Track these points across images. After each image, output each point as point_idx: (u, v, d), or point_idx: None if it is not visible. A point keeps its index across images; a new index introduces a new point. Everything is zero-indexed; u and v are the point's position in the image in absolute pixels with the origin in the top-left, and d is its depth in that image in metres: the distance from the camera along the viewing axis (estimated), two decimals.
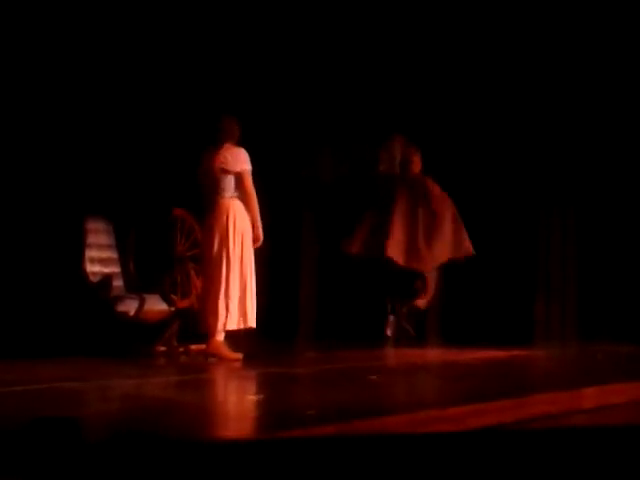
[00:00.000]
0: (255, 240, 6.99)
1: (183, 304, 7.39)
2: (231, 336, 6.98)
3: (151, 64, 8.42)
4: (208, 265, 6.91)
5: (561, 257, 8.94)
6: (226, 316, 6.81)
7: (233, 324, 6.87)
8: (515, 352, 7.75)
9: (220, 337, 6.89)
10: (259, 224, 6.98)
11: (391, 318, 8.77)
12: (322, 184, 9.18)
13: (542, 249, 8.91)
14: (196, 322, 7.02)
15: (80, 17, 8.08)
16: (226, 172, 6.89)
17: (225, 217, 6.86)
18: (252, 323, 6.94)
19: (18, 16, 7.86)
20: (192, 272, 7.40)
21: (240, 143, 7.07)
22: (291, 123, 9.08)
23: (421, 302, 8.74)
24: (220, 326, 6.83)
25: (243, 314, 6.87)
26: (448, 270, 8.80)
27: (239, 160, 6.93)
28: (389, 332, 8.91)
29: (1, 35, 7.78)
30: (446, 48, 8.77)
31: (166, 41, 8.40)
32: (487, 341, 8.17)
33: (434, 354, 7.93)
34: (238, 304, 6.84)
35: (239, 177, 6.90)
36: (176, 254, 7.42)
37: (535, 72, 8.76)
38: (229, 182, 6.90)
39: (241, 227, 6.90)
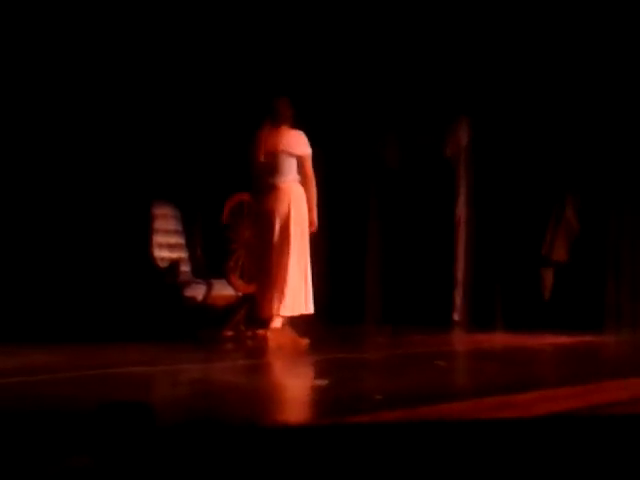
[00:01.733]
0: (310, 225, 6.92)
1: (249, 289, 7.43)
2: (297, 322, 7.00)
3: (211, 49, 8.46)
4: (266, 250, 6.83)
5: (632, 240, 8.78)
6: (281, 302, 6.74)
7: (288, 310, 6.79)
8: (585, 338, 7.64)
9: (276, 324, 6.82)
10: (315, 209, 6.92)
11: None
12: (388, 169, 9.15)
13: (612, 232, 8.76)
14: (255, 307, 7.01)
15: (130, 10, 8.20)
16: (289, 155, 6.85)
17: (287, 202, 6.78)
18: (309, 309, 6.87)
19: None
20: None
21: (299, 127, 6.99)
22: (357, 108, 9.05)
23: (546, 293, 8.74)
24: (275, 312, 6.79)
25: (300, 300, 6.79)
26: (513, 253, 8.73)
27: (301, 143, 6.87)
28: (456, 316, 8.87)
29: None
30: (509, 33, 8.66)
31: (225, 24, 8.42)
32: (556, 326, 8.07)
33: (502, 339, 7.85)
34: (295, 290, 6.77)
35: (301, 160, 6.86)
36: (241, 239, 7.46)
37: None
38: (291, 165, 6.85)
39: (301, 213, 6.83)
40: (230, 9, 8.42)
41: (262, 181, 6.85)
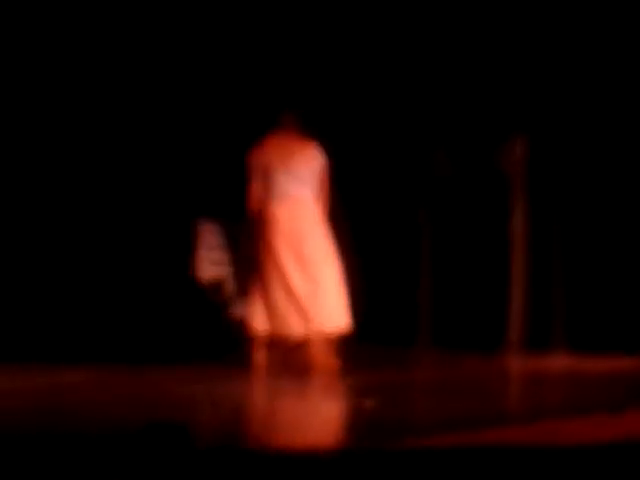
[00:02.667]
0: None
1: None
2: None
3: (248, 63, 8.47)
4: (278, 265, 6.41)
5: None
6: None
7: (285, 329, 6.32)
8: None
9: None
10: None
11: None
12: (439, 180, 9.06)
13: None
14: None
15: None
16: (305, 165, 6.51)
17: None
18: (324, 327, 6.38)
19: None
20: None
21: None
22: (412, 119, 8.99)
23: None
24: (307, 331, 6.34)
25: (309, 318, 6.30)
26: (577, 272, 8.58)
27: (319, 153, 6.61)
28: (512, 337, 8.71)
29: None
30: (570, 49, 8.55)
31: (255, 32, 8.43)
32: (617, 348, 7.87)
33: (559, 361, 7.68)
34: (298, 308, 6.31)
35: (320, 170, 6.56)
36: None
37: None
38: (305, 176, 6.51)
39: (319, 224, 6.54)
40: (263, 16, 8.43)
41: (275, 191, 6.45)
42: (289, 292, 6.33)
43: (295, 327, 6.28)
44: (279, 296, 6.30)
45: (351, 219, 8.83)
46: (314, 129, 7.27)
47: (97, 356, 6.90)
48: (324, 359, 6.37)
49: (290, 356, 6.97)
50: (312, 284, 6.36)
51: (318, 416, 4.66)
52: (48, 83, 8.10)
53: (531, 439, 3.95)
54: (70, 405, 4.76)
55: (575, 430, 4.10)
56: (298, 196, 6.46)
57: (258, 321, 6.33)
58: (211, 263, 7.31)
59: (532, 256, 8.74)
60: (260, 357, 6.35)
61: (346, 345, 7.03)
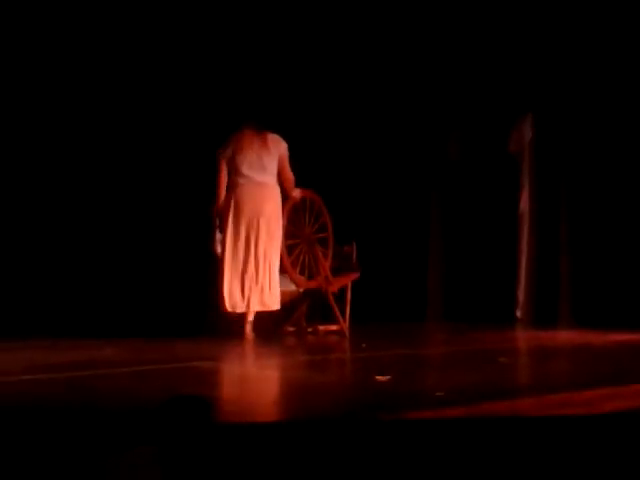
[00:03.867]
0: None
1: (310, 285, 7.45)
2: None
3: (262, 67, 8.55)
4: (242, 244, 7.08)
5: None
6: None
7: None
8: None
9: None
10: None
11: None
12: (450, 163, 9.10)
13: None
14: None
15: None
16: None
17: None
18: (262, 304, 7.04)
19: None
20: (320, 254, 7.44)
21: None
22: (422, 102, 9.03)
23: None
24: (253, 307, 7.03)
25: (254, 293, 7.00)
26: (583, 250, 8.63)
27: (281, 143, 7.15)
28: (519, 313, 8.80)
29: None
30: (576, 30, 8.55)
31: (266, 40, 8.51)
32: (622, 323, 7.94)
33: (566, 336, 7.76)
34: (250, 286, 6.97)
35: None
36: (304, 235, 7.47)
37: None
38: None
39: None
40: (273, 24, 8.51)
41: (240, 178, 7.05)
42: (245, 269, 6.98)
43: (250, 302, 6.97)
44: (241, 272, 6.96)
45: (365, 199, 8.95)
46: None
47: (121, 332, 7.06)
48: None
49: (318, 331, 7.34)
50: (258, 263, 7.00)
51: (333, 389, 4.73)
52: (65, 86, 8.21)
53: (541, 410, 4.04)
54: (97, 379, 4.86)
55: (584, 401, 4.19)
56: (260, 181, 7.03)
57: (230, 300, 6.93)
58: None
59: (540, 234, 8.81)
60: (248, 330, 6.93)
61: (360, 321, 7.17)
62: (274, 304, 7.13)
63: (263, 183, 7.08)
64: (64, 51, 8.21)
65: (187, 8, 8.42)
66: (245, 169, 7.05)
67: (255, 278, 7.05)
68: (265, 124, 7.17)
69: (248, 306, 7.00)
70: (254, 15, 8.51)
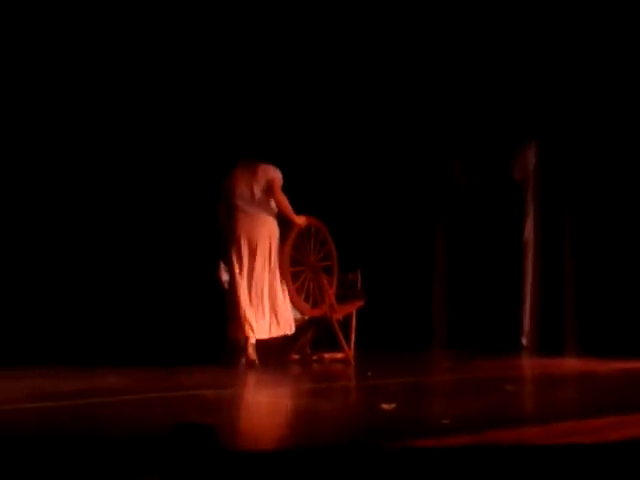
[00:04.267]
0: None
1: (315, 312, 7.44)
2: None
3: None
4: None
5: None
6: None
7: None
8: None
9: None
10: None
11: None
12: (455, 191, 9.12)
13: None
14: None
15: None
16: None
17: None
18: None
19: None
20: (324, 282, 7.44)
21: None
22: (425, 130, 9.07)
23: None
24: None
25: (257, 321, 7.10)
26: (588, 278, 8.61)
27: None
28: (525, 341, 8.78)
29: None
30: (578, 57, 8.58)
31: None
32: (628, 351, 7.91)
33: (572, 364, 7.73)
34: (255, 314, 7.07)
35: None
36: (308, 263, 7.47)
37: None
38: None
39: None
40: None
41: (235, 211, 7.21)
42: (250, 297, 7.09)
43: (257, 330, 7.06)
44: (243, 303, 7.04)
45: (370, 226, 8.96)
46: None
47: (124, 360, 7.06)
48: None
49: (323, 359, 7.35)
50: (260, 293, 7.12)
51: (338, 417, 4.72)
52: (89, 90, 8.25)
53: (547, 439, 4.02)
54: (102, 407, 4.85)
55: (590, 430, 4.17)
56: (252, 212, 7.16)
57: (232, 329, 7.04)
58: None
59: (544, 261, 8.80)
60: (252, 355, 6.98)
61: (365, 349, 7.15)
62: (285, 330, 7.17)
63: (254, 214, 7.18)
64: (75, 57, 8.25)
65: (196, 15, 8.48)
66: (238, 201, 7.18)
67: (260, 307, 7.07)
68: (259, 155, 7.28)
69: (253, 332, 7.03)
70: (254, 36, 8.56)
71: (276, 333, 7.15)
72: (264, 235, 7.16)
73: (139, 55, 8.43)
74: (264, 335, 7.08)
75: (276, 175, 7.21)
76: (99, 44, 8.29)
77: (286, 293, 7.24)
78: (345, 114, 8.90)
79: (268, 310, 7.12)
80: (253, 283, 7.11)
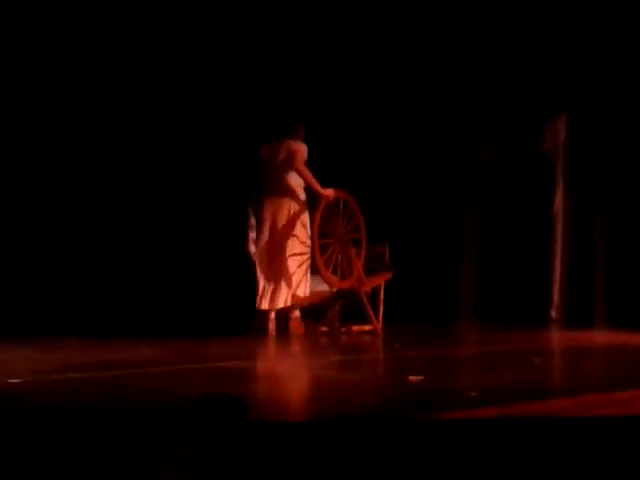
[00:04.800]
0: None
1: (343, 285, 7.44)
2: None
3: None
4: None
5: None
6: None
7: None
8: None
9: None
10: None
11: None
12: (484, 164, 9.06)
13: None
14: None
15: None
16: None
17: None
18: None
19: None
20: (353, 254, 7.44)
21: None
22: (455, 103, 9.01)
23: None
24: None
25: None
26: (615, 248, 8.56)
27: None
28: (554, 313, 8.74)
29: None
30: (609, 30, 8.48)
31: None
32: None
33: (601, 336, 7.69)
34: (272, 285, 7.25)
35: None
36: (337, 235, 7.47)
37: None
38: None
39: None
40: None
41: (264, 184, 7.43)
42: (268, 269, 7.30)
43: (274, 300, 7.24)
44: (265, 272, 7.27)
45: (398, 199, 8.94)
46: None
47: (156, 332, 7.12)
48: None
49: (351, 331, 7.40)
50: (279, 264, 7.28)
51: (366, 389, 4.74)
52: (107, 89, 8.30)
53: (575, 411, 4.01)
54: (132, 379, 4.89)
55: (620, 402, 4.16)
56: (274, 188, 7.33)
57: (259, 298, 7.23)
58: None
59: (574, 233, 8.74)
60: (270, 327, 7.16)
61: (393, 321, 7.15)
62: (297, 300, 7.30)
63: (276, 188, 7.32)
64: (86, 55, 8.31)
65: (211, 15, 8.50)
66: (265, 176, 7.37)
67: (277, 277, 7.23)
68: (289, 131, 7.39)
69: (271, 304, 7.18)
70: (278, 21, 8.55)
71: (291, 302, 7.28)
72: (284, 209, 7.28)
73: (153, 47, 8.46)
74: (281, 305, 7.20)
75: (298, 147, 7.30)
76: (106, 41, 8.33)
77: (304, 264, 7.27)
78: (374, 86, 8.86)
79: (285, 280, 7.21)
80: (272, 256, 7.25)
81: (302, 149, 7.29)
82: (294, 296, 7.28)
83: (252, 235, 7.44)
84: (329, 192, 7.37)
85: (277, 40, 8.59)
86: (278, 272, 7.25)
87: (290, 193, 7.31)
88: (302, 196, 7.36)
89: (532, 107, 8.81)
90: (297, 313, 7.37)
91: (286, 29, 8.58)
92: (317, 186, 7.31)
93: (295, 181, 7.30)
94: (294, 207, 7.31)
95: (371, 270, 7.63)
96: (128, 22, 8.35)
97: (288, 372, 5.46)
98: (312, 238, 7.28)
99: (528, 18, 8.63)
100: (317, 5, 8.60)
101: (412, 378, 4.75)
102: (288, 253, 7.27)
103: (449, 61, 8.91)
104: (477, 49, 8.84)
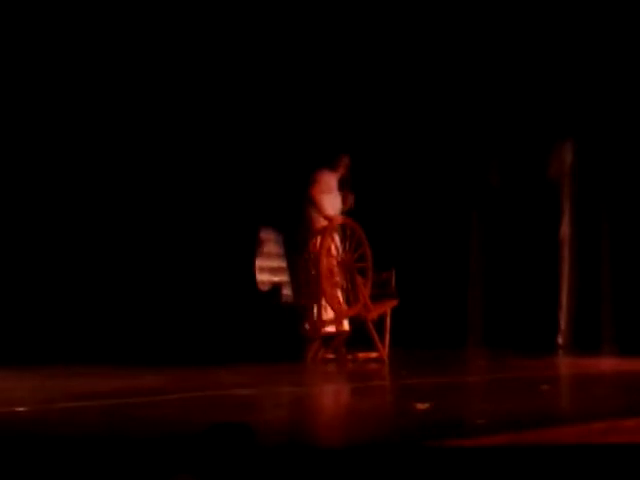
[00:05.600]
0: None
1: (350, 312, 7.44)
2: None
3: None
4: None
5: None
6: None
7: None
8: None
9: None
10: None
11: None
12: (491, 190, 9.08)
13: None
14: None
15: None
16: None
17: None
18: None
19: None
20: (359, 281, 7.43)
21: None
22: (461, 130, 9.04)
23: None
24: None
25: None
26: (622, 274, 8.54)
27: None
28: (561, 340, 8.72)
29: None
30: (615, 58, 8.51)
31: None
32: None
33: (608, 363, 7.67)
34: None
35: None
36: (342, 261, 7.46)
37: None
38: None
39: None
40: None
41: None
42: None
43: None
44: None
45: (405, 225, 8.95)
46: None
47: (162, 359, 7.11)
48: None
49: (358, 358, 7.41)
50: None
51: (372, 417, 4.72)
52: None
53: (584, 438, 3.99)
54: (138, 407, 4.88)
55: (627, 429, 4.14)
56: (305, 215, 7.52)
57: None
58: (270, 270, 7.46)
59: (580, 260, 8.74)
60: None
61: (400, 348, 7.13)
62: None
63: (306, 215, 7.56)
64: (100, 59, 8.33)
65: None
66: None
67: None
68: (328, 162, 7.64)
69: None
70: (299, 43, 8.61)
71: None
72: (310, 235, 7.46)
73: (163, 51, 8.48)
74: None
75: (317, 174, 7.44)
76: (124, 41, 8.35)
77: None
78: (382, 111, 8.89)
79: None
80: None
81: (319, 175, 7.46)
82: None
83: (260, 263, 7.46)
84: (336, 218, 7.43)
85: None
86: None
87: (315, 220, 7.50)
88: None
89: (538, 134, 8.83)
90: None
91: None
92: (324, 211, 7.35)
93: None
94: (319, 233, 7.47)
95: (377, 297, 7.63)
96: (151, 29, 8.37)
97: (295, 399, 5.44)
98: (319, 265, 7.28)
99: (535, 46, 8.67)
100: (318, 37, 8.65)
101: (419, 405, 4.73)
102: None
103: (457, 88, 8.94)
104: (484, 77, 8.89)
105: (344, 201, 7.69)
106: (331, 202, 7.52)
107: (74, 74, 8.27)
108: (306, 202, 7.45)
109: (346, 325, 7.42)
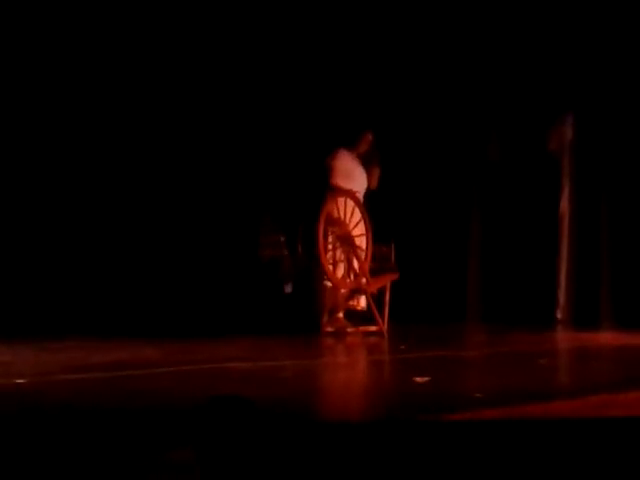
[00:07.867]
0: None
1: (349, 285, 7.44)
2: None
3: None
4: None
5: None
6: None
7: None
8: None
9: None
10: None
11: None
12: (490, 164, 9.07)
13: None
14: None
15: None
16: None
17: None
18: None
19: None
20: (359, 255, 7.43)
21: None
22: (462, 103, 9.01)
23: None
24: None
25: None
26: (621, 249, 8.55)
27: None
28: (559, 314, 8.73)
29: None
30: (616, 29, 8.48)
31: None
32: None
33: (607, 337, 7.69)
34: None
35: None
36: (343, 235, 7.46)
37: None
38: None
39: None
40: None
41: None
42: None
43: None
44: None
45: (404, 199, 8.95)
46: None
47: (161, 332, 7.12)
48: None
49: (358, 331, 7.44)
50: None
51: (371, 391, 4.74)
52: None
53: (581, 412, 4.01)
54: (137, 380, 4.90)
55: (624, 403, 4.15)
56: None
57: None
58: (270, 245, 7.46)
59: (580, 234, 8.74)
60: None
61: (399, 322, 7.15)
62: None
63: None
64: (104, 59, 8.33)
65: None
66: None
67: None
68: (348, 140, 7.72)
69: None
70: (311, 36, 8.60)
71: None
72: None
73: (176, 53, 8.50)
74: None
75: (333, 158, 7.57)
76: (126, 40, 8.35)
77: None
78: (380, 85, 8.86)
79: None
80: None
81: (335, 165, 7.50)
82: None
83: (262, 239, 7.47)
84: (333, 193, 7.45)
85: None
86: None
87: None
88: None
89: (538, 107, 8.81)
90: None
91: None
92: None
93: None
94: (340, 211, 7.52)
95: (377, 271, 7.63)
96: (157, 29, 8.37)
97: (292, 373, 5.45)
98: (316, 238, 7.27)
99: (535, 18, 8.64)
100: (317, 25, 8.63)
101: (418, 379, 4.74)
102: None
103: (456, 61, 8.91)
104: (484, 50, 8.85)
105: (370, 179, 7.65)
106: (354, 183, 7.45)
107: (74, 74, 8.27)
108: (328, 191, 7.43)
109: (363, 302, 7.40)
